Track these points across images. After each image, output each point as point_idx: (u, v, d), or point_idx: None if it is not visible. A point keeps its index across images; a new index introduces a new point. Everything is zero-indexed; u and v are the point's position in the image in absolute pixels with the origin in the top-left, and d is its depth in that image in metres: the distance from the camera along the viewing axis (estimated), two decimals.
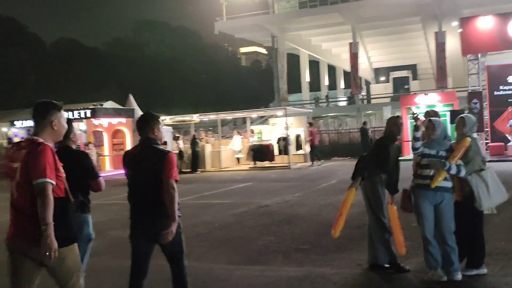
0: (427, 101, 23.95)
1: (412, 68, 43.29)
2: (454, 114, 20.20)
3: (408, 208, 5.82)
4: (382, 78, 45.95)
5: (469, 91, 20.65)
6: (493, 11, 24.56)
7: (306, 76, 45.73)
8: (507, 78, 22.36)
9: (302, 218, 9.99)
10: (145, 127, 4.40)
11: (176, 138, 24.86)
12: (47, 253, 3.40)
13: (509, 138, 21.47)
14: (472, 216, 5.52)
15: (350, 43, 38.90)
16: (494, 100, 22.51)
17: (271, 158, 22.87)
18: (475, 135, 5.73)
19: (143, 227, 4.34)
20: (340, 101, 47.35)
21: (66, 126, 3.87)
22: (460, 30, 21.26)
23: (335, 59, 45.68)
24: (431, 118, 5.70)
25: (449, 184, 5.45)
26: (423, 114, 6.59)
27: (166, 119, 26.47)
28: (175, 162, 4.31)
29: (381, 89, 42.59)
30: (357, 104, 39.90)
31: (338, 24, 39.14)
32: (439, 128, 5.50)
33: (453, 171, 5.26)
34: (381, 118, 37.68)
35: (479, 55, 20.76)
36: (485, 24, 19.94)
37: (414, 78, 42.70)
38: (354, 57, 39.00)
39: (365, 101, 43.63)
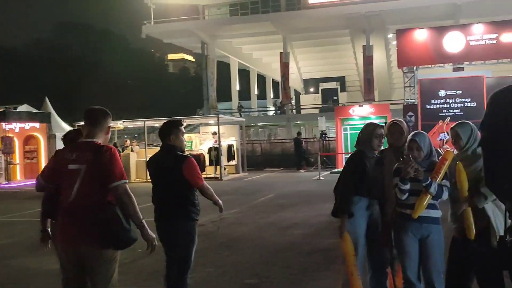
0: (360, 113, 23.53)
1: (341, 80, 43.28)
2: None
3: (389, 242, 4.64)
4: (312, 89, 45.70)
5: (405, 103, 20.24)
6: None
7: (236, 85, 44.68)
8: (439, 92, 22.26)
9: (243, 242, 8.69)
10: (164, 134, 4.67)
11: None
12: (153, 244, 3.72)
13: (440, 151, 21.23)
14: (487, 257, 4.25)
15: (281, 53, 38.34)
16: (425, 114, 22.31)
17: (201, 168, 21.39)
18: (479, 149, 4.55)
19: (164, 228, 4.56)
20: (269, 110, 46.68)
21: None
22: (395, 42, 20.84)
23: (266, 68, 44.93)
24: (414, 135, 4.42)
25: (437, 213, 4.28)
26: (385, 124, 5.18)
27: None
28: (195, 166, 4.61)
29: (311, 100, 42.26)
30: (287, 114, 39.28)
31: (270, 34, 38.51)
32: (425, 146, 4.30)
33: (433, 189, 4.07)
34: (312, 129, 37.39)
35: (415, 68, 20.40)
36: (420, 37, 19.61)
37: (342, 90, 42.72)
38: (284, 67, 38.47)
39: (294, 111, 43.15)
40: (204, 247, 8.45)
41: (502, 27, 18.84)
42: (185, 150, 4.84)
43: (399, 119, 5.18)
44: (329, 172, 22.25)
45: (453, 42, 19.19)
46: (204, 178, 18.08)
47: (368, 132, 4.68)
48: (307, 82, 45.88)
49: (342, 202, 4.61)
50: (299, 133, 25.08)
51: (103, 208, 3.54)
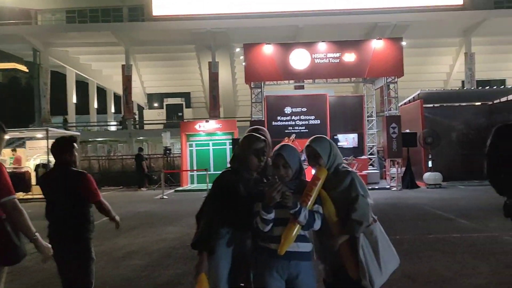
0: (207, 128, 22.65)
1: (186, 96, 42.12)
2: (236, 142, 19.05)
3: (248, 284, 3.49)
4: (156, 104, 43.89)
5: (252, 119, 19.69)
6: None
7: (72, 97, 41.28)
8: (285, 109, 22.25)
9: None
10: (59, 151, 4.52)
11: None
12: (49, 255, 3.82)
13: None
14: None
15: (123, 65, 36.36)
16: (272, 131, 22.09)
17: (26, 188, 18.68)
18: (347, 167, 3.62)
19: (60, 247, 4.23)
20: (110, 125, 43.90)
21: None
22: (241, 57, 20.28)
23: (106, 81, 42.11)
24: (280, 149, 3.38)
25: (308, 246, 3.31)
26: (232, 140, 3.99)
27: None
28: (93, 181, 4.54)
29: (155, 115, 40.45)
30: (128, 130, 37.12)
31: (111, 44, 36.35)
32: (294, 162, 3.35)
33: (302, 217, 3.12)
34: (156, 145, 35.64)
35: (262, 84, 20.02)
36: (268, 52, 19.30)
37: (188, 106, 41.61)
38: (127, 80, 36.52)
39: (137, 127, 41.03)
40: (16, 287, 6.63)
41: (344, 47, 19.28)
42: (77, 166, 4.71)
43: (261, 127, 4.14)
44: (173, 190, 20.85)
45: (299, 59, 19.17)
46: (30, 199, 15.90)
47: (245, 146, 3.53)
48: (151, 97, 43.98)
49: (203, 235, 3.37)
50: (141, 149, 23.22)
51: None
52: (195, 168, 22.37)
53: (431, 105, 22.74)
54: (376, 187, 19.16)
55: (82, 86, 44.37)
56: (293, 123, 22.11)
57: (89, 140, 36.81)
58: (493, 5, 36.20)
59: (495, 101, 22.18)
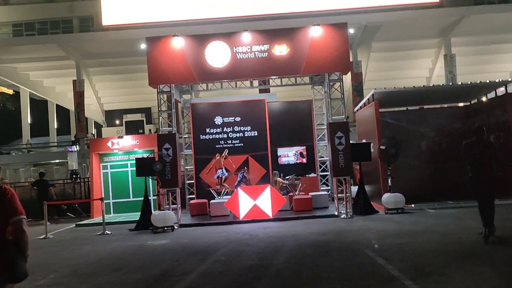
0: (122, 146, 17.89)
1: (146, 111, 37.29)
2: (141, 163, 14.15)
3: None
4: (117, 121, 39.04)
5: (160, 132, 14.81)
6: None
7: (27, 118, 36.59)
8: (214, 119, 17.43)
9: None
10: None
11: None
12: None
13: (214, 193, 16.15)
14: None
15: (74, 81, 31.88)
16: (199, 146, 17.27)
17: None
18: None
19: None
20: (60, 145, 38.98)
21: None
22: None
23: (61, 98, 37.30)
24: None
25: None
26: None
27: None
28: (16, 196, 4.18)
29: (114, 133, 35.58)
30: (82, 150, 32.35)
31: (60, 59, 31.85)
32: None
33: None
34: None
35: (173, 87, 15.19)
36: (178, 47, 14.48)
37: (149, 122, 36.76)
38: (79, 96, 32.08)
39: None
40: None
41: (274, 38, 14.36)
42: None
43: None
44: (74, 224, 15.96)
45: (217, 55, 14.33)
46: None
47: None
48: (110, 114, 38.95)
49: None
50: (42, 174, 18.12)
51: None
52: (111, 195, 17.47)
53: (398, 109, 17.97)
54: (320, 213, 14.16)
55: (41, 105, 39.65)
56: (225, 136, 17.23)
57: (41, 162, 32.05)
58: (472, 1, 31.42)
59: (472, 102, 17.29)
